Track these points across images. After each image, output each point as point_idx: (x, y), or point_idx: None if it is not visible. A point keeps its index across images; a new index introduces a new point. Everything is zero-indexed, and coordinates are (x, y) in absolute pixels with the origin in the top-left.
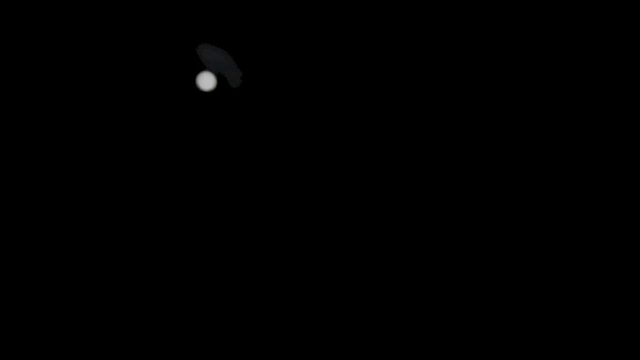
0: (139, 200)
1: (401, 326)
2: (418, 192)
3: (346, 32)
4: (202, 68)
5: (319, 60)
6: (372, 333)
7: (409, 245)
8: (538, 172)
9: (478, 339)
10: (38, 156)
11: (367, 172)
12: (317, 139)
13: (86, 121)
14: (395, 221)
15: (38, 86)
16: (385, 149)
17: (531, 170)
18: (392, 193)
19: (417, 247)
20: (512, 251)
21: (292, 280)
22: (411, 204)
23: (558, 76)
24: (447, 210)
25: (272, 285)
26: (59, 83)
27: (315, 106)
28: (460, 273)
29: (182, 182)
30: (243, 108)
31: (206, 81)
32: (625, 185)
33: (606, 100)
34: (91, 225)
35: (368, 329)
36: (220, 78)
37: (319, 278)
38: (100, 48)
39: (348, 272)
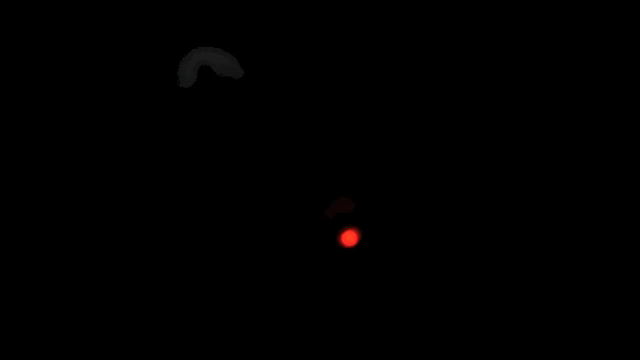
0: (137, 200)
1: (400, 326)
2: (418, 192)
3: (348, 32)
4: (203, 69)
5: (320, 60)
6: (371, 332)
7: (409, 244)
8: (538, 172)
9: (478, 339)
10: (41, 156)
11: (368, 172)
12: (318, 139)
13: (83, 121)
14: (396, 221)
15: (50, 88)
16: (386, 151)
17: (531, 170)
18: (393, 194)
19: (417, 246)
20: (512, 251)
21: (291, 280)
22: (411, 204)
23: (558, 76)
24: (447, 209)
25: (272, 285)
26: (57, 84)
27: (316, 106)
28: (459, 272)
29: (181, 183)
30: (244, 109)
31: (208, 82)
32: (625, 185)
33: (606, 100)
34: (89, 225)
35: (367, 328)
36: (221, 79)
37: (319, 278)
38: (99, 48)
39: (348, 272)
